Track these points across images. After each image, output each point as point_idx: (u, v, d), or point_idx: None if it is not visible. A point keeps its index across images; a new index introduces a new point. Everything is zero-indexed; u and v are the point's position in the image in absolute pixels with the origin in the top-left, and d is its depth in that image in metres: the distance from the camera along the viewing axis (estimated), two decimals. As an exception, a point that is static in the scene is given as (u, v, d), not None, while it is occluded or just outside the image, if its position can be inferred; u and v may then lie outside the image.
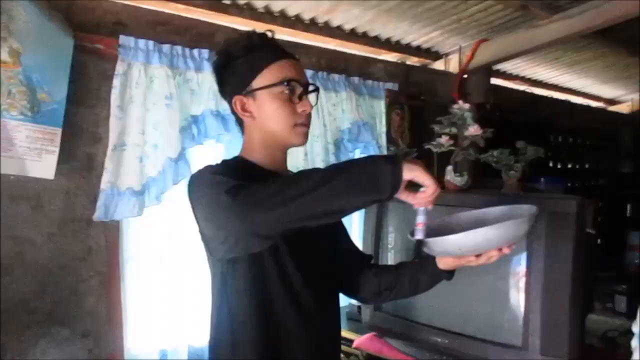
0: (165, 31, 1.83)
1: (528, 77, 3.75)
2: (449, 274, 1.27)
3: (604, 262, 2.77)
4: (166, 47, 1.76)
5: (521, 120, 3.41)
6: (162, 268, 1.86)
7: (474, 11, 2.49)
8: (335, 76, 2.27)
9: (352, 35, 2.49)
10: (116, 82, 1.66)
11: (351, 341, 1.96)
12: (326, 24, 2.37)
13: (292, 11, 2.22)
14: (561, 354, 1.50)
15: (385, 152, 2.35)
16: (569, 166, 4.31)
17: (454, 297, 1.65)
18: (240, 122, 1.22)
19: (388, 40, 2.67)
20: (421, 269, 1.30)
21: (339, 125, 2.24)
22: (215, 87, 1.81)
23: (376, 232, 1.96)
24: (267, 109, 1.15)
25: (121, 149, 1.66)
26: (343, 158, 2.26)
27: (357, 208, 1.02)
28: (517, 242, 1.14)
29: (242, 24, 2.11)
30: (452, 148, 1.79)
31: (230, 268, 1.11)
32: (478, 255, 1.15)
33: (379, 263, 1.86)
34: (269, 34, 1.20)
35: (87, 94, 1.66)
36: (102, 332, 1.72)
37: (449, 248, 1.12)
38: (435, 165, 1.86)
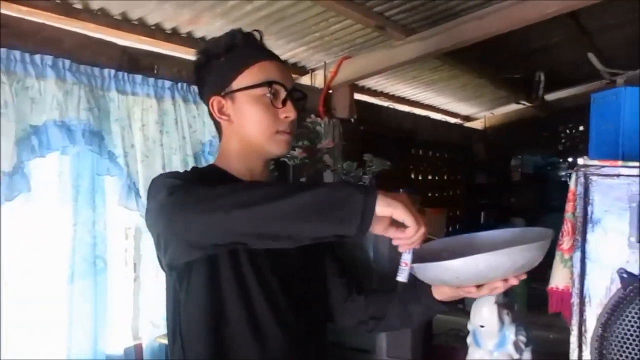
0: (4, 34, 1.68)
1: (392, 93, 3.98)
2: (447, 306, 1.10)
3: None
4: (2, 52, 1.62)
5: (386, 134, 3.60)
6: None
7: (336, 29, 2.58)
8: (196, 88, 2.23)
9: (217, 48, 2.48)
10: (-63, 87, 1.50)
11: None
12: (189, 34, 2.33)
13: (152, 20, 2.15)
14: (405, 354, 1.61)
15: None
16: (430, 178, 4.63)
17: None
18: (218, 127, 1.14)
19: (254, 53, 2.69)
20: (414, 299, 1.12)
21: (200, 138, 2.20)
22: (59, 96, 1.75)
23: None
24: (246, 112, 1.06)
25: (-56, 162, 1.50)
26: (204, 171, 2.22)
27: (316, 239, 0.83)
28: (527, 270, 0.95)
29: (96, 31, 2.01)
30: (306, 160, 1.85)
31: (182, 279, 0.99)
32: (480, 286, 0.97)
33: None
34: (256, 34, 1.13)
35: None
36: None
37: (444, 276, 0.93)
38: (290, 176, 1.90)
